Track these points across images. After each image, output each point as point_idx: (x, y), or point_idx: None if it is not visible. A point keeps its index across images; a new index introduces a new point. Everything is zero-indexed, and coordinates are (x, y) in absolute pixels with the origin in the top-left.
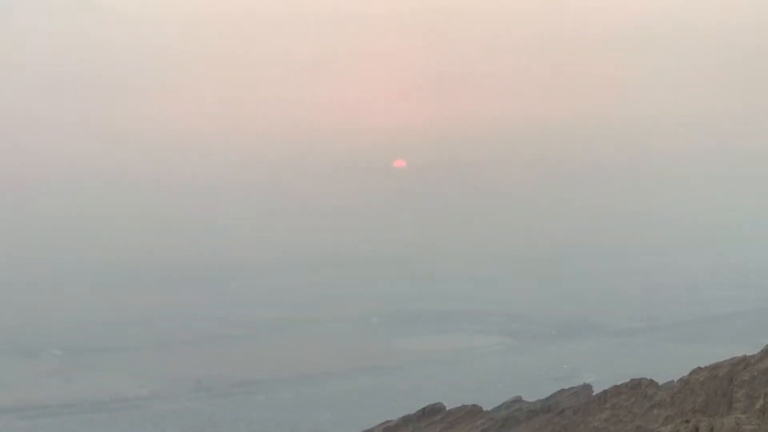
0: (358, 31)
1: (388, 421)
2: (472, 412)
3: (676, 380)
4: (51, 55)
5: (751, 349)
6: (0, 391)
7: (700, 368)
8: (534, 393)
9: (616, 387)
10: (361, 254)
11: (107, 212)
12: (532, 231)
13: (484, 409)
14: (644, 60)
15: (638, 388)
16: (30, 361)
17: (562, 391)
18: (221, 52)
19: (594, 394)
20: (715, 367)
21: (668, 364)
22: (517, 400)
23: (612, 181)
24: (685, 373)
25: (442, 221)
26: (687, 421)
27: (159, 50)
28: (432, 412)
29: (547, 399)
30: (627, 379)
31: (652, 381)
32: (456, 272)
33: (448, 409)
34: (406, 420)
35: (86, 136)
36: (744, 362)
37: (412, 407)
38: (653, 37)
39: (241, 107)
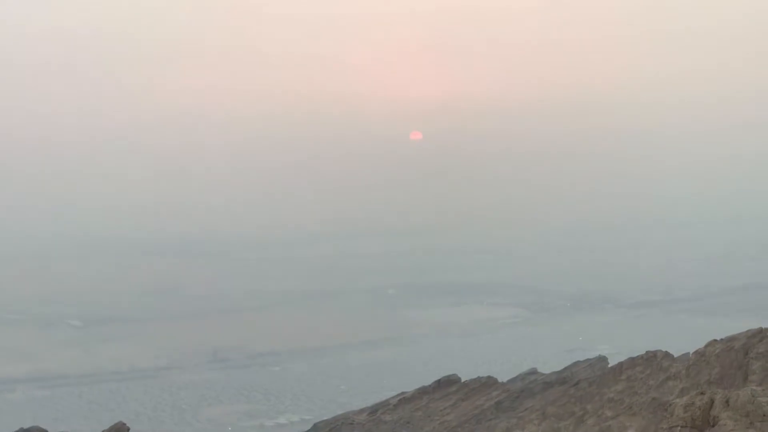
0: (380, 2)
1: (403, 393)
2: (488, 383)
3: (691, 353)
4: (57, 32)
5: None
6: (20, 361)
7: (715, 341)
8: (549, 365)
9: (631, 359)
10: (376, 226)
11: (127, 184)
12: (549, 204)
13: (500, 380)
14: (659, 27)
15: (653, 360)
16: (49, 331)
17: (578, 363)
18: (238, 23)
19: (609, 366)
20: (731, 339)
21: (683, 337)
22: (533, 371)
23: (629, 154)
24: (701, 345)
25: (458, 193)
26: (702, 393)
27: (174, 20)
28: (447, 383)
29: (563, 371)
30: (642, 352)
31: (667, 353)
32: (472, 245)
33: (463, 380)
34: (422, 391)
35: (109, 109)
36: (760, 335)
37: (428, 379)
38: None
39: (259, 78)
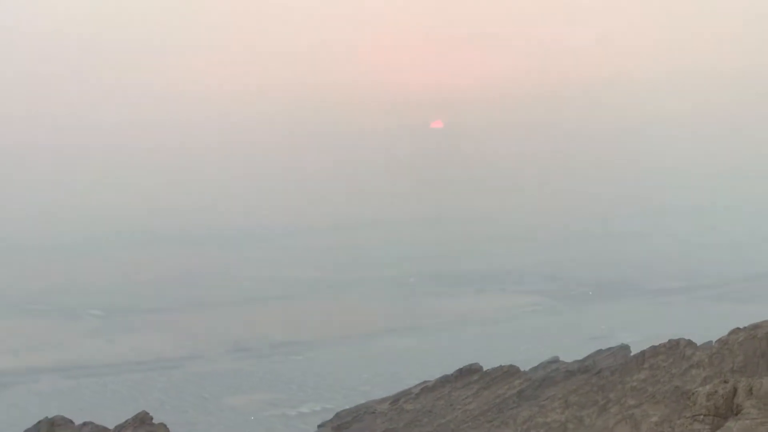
0: None
1: (425, 382)
2: (509, 372)
3: (714, 341)
4: (69, 18)
5: None
6: (44, 351)
7: (738, 329)
8: (571, 353)
9: (653, 347)
10: (398, 215)
11: (147, 174)
12: (570, 191)
13: (521, 369)
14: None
15: (676, 348)
16: (72, 322)
17: (600, 351)
18: (255, 9)
19: (631, 354)
20: (755, 327)
21: (707, 325)
22: (555, 360)
23: (651, 140)
24: (724, 333)
25: (479, 181)
26: (725, 382)
27: (179, 8)
28: (469, 372)
29: (585, 359)
30: (665, 340)
31: (690, 341)
32: (493, 233)
33: (485, 369)
34: (444, 380)
35: (127, 102)
36: None
37: (450, 367)
38: None
39: (275, 66)
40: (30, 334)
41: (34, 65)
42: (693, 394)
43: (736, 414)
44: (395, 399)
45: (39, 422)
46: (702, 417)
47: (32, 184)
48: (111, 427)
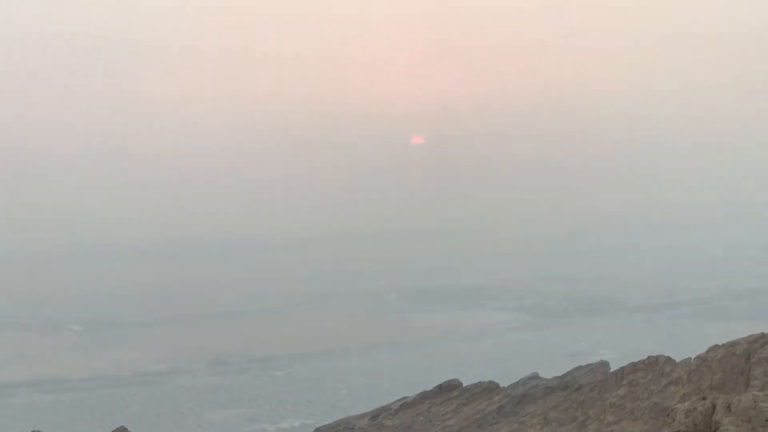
0: (379, 5)
1: (404, 398)
2: (489, 388)
3: (693, 357)
4: (60, 28)
5: None
6: (22, 365)
7: (717, 345)
8: (551, 370)
9: (633, 364)
10: (379, 230)
11: (127, 187)
12: (551, 207)
13: (501, 385)
14: (659, 30)
15: (655, 365)
16: (50, 336)
17: (579, 367)
18: (235, 27)
19: (611, 371)
20: (733, 344)
21: (686, 342)
22: (534, 376)
23: (631, 156)
24: (703, 350)
25: (460, 197)
26: (704, 399)
27: (173, 17)
28: (449, 388)
29: (564, 376)
30: (644, 356)
31: (669, 358)
32: (474, 249)
33: (464, 385)
34: (423, 396)
35: (109, 114)
36: (762, 339)
37: (429, 384)
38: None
39: (259, 81)
40: (7, 348)
41: (25, 68)
42: (672, 410)
43: (715, 431)
44: (375, 415)
45: None
46: None
47: (10, 196)
48: None
